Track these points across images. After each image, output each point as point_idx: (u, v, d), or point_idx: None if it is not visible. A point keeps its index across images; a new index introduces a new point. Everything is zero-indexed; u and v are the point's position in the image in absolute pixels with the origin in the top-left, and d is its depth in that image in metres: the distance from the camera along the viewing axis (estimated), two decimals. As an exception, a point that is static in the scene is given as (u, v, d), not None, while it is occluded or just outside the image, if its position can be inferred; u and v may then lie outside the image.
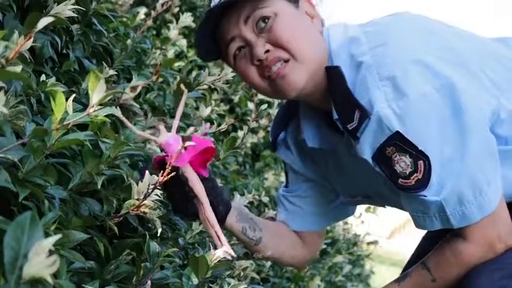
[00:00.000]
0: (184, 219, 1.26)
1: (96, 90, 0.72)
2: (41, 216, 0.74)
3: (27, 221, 0.49)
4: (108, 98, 0.73)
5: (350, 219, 4.26)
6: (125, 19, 1.72)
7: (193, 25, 2.10)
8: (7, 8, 0.97)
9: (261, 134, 2.60)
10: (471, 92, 0.97)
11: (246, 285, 1.07)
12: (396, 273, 1.23)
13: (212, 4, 1.04)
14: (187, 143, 0.85)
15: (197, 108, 1.59)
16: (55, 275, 0.68)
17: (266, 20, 1.02)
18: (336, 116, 1.04)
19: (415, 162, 0.97)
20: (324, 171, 1.29)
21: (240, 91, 2.66)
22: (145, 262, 0.92)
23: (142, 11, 2.09)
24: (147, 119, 1.18)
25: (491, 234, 1.02)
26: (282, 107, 1.31)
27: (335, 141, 1.16)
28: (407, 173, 0.99)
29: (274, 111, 2.66)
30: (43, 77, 0.96)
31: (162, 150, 0.97)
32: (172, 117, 1.45)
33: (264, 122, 2.66)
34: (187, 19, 2.01)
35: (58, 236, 0.49)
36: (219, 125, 1.18)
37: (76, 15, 0.97)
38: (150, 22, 1.91)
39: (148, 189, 0.86)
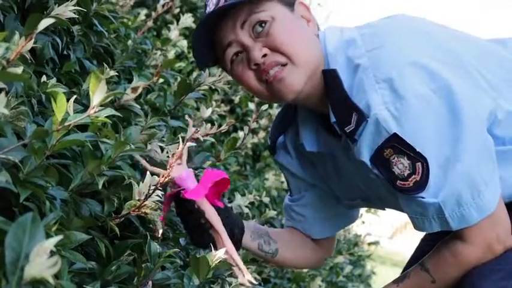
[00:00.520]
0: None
1: (97, 91, 0.72)
2: (42, 217, 0.74)
3: (28, 221, 0.50)
4: (109, 99, 0.73)
5: (351, 220, 4.25)
6: (125, 20, 1.72)
7: (194, 26, 2.10)
8: (8, 9, 0.97)
9: (262, 134, 2.60)
10: (468, 93, 0.98)
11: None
12: (397, 273, 1.23)
13: (207, 10, 1.04)
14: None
15: (198, 109, 1.59)
16: (56, 276, 0.68)
17: (263, 24, 1.02)
18: (333, 119, 1.04)
19: (413, 164, 0.97)
20: (323, 176, 1.29)
21: (240, 92, 2.66)
22: (146, 263, 0.92)
23: (143, 12, 2.09)
24: (147, 120, 1.18)
25: (490, 235, 1.02)
26: (281, 111, 1.31)
27: (333, 145, 1.16)
28: (406, 174, 0.99)
29: (274, 111, 2.67)
30: (44, 78, 0.96)
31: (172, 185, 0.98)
32: (173, 117, 1.46)
33: (264, 122, 2.66)
34: (187, 20, 2.01)
35: (59, 237, 0.49)
36: (219, 125, 1.18)
37: (77, 16, 0.97)
38: (150, 23, 1.92)
39: (149, 190, 0.87)
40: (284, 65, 1.02)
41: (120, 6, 1.81)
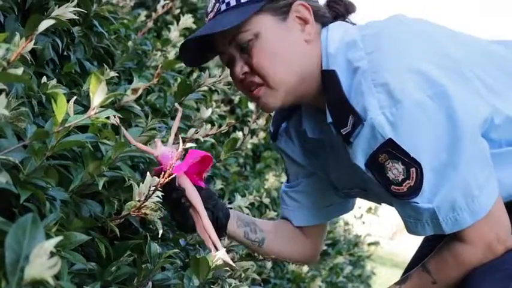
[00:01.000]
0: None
1: (97, 92, 0.72)
2: (42, 217, 0.74)
3: (28, 222, 0.50)
4: (109, 100, 0.73)
5: (351, 220, 4.26)
6: (125, 21, 1.72)
7: (194, 26, 2.10)
8: (8, 10, 0.97)
9: (262, 135, 2.60)
10: (464, 100, 0.98)
11: (247, 287, 1.08)
12: (397, 274, 1.23)
13: (207, 13, 1.10)
14: (181, 147, 0.86)
15: (198, 110, 1.59)
16: (56, 277, 0.68)
17: (247, 43, 1.06)
18: (329, 120, 1.05)
19: (407, 170, 0.98)
20: (323, 164, 1.30)
21: (240, 92, 2.66)
22: (146, 263, 0.92)
23: (143, 12, 2.10)
24: (147, 121, 1.19)
25: (490, 235, 1.02)
26: None
27: (333, 135, 1.17)
28: (400, 180, 0.99)
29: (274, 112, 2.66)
30: (44, 79, 0.96)
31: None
32: (173, 118, 1.46)
33: (264, 122, 2.66)
34: (187, 21, 2.01)
35: (59, 238, 0.49)
36: (219, 126, 1.18)
37: (77, 18, 0.97)
38: (150, 24, 1.92)
39: (149, 190, 0.87)
40: (261, 85, 1.07)
41: (120, 7, 1.81)
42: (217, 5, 1.06)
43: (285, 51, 1.07)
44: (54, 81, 0.94)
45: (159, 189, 0.87)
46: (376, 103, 0.96)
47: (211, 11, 1.08)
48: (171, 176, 0.85)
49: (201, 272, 0.94)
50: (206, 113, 1.40)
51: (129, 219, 0.96)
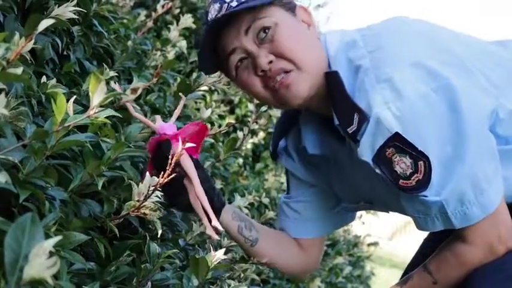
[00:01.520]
0: (184, 220, 1.25)
1: (97, 91, 0.72)
2: (41, 217, 0.74)
3: (27, 222, 0.50)
4: (109, 100, 0.73)
5: (350, 221, 4.25)
6: (125, 21, 1.72)
7: (194, 26, 2.10)
8: (8, 10, 0.97)
9: (261, 135, 2.60)
10: (469, 92, 0.98)
11: (246, 287, 1.08)
12: (397, 274, 1.23)
13: (210, 17, 1.04)
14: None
15: (197, 110, 1.59)
16: (55, 276, 0.68)
17: (267, 31, 1.02)
18: (336, 122, 1.04)
19: (415, 163, 0.97)
20: (326, 178, 1.29)
21: (240, 92, 2.66)
22: (145, 263, 0.92)
23: (143, 12, 2.09)
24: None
25: (492, 236, 1.02)
26: (281, 116, 1.31)
27: (336, 147, 1.16)
28: (408, 173, 0.99)
29: (274, 112, 2.66)
30: (44, 79, 0.96)
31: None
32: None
33: (264, 123, 2.66)
34: (187, 20, 2.01)
35: (58, 238, 0.49)
36: (219, 126, 1.18)
37: (77, 17, 0.97)
38: (150, 23, 1.92)
39: (148, 190, 0.87)
40: (290, 71, 1.02)
41: (120, 6, 1.81)
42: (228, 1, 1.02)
43: (306, 39, 1.06)
44: (53, 81, 0.94)
45: (159, 189, 0.87)
46: (380, 99, 0.96)
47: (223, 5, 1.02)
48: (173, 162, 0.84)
49: (201, 272, 0.94)
50: (206, 112, 1.40)
51: (129, 219, 0.96)
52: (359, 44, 1.02)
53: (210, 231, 1.01)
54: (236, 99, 2.68)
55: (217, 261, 0.94)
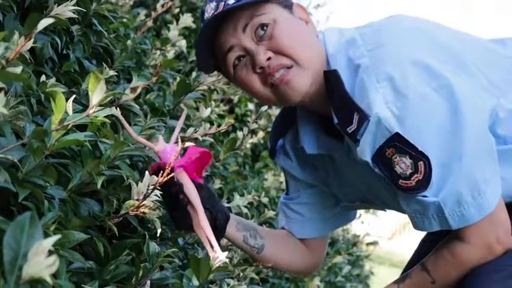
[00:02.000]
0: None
1: (96, 91, 0.72)
2: (40, 216, 0.74)
3: (26, 221, 0.50)
4: (108, 99, 0.73)
5: (350, 220, 4.25)
6: (125, 20, 1.72)
7: (194, 26, 2.10)
8: (7, 9, 0.97)
9: (261, 134, 2.60)
10: (469, 92, 0.98)
11: (245, 286, 1.08)
12: (396, 274, 1.23)
13: (206, 16, 1.03)
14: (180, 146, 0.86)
15: (197, 109, 1.59)
16: (54, 275, 0.68)
17: (265, 28, 1.01)
18: (336, 121, 1.04)
19: (415, 163, 0.97)
20: (324, 177, 1.28)
21: (239, 91, 2.66)
22: (144, 262, 0.92)
23: (143, 11, 2.09)
24: (146, 120, 1.19)
25: (490, 235, 1.02)
26: (279, 115, 1.31)
27: (333, 147, 1.16)
28: (408, 174, 0.98)
29: (274, 112, 2.66)
30: (43, 78, 0.96)
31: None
32: (172, 117, 1.46)
33: (263, 122, 2.66)
34: (187, 20, 2.01)
35: (57, 236, 0.49)
36: (218, 125, 1.18)
37: (76, 16, 0.97)
38: (150, 23, 1.92)
39: (147, 189, 0.87)
40: (289, 67, 1.02)
41: (120, 6, 1.81)
42: None
43: (305, 36, 1.06)
44: (53, 80, 0.94)
45: (158, 188, 0.87)
46: (381, 98, 0.96)
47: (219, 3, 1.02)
48: (170, 175, 0.85)
49: (201, 273, 0.94)
50: (205, 112, 1.40)
51: (128, 218, 0.96)
52: (358, 42, 1.02)
53: (212, 257, 0.99)
54: (236, 99, 2.68)
55: (219, 263, 0.93)
